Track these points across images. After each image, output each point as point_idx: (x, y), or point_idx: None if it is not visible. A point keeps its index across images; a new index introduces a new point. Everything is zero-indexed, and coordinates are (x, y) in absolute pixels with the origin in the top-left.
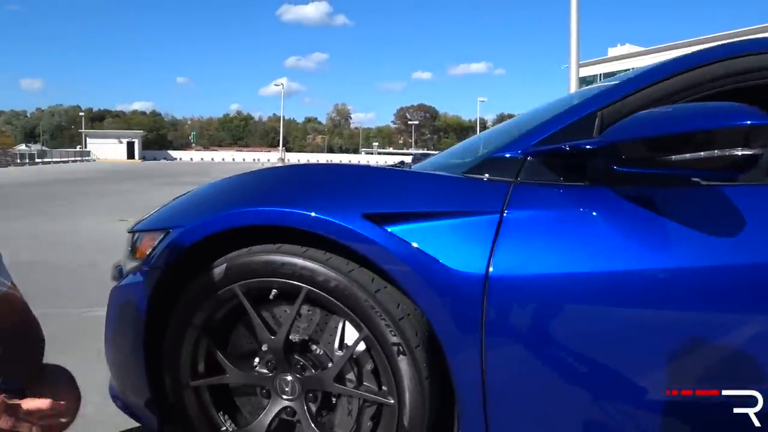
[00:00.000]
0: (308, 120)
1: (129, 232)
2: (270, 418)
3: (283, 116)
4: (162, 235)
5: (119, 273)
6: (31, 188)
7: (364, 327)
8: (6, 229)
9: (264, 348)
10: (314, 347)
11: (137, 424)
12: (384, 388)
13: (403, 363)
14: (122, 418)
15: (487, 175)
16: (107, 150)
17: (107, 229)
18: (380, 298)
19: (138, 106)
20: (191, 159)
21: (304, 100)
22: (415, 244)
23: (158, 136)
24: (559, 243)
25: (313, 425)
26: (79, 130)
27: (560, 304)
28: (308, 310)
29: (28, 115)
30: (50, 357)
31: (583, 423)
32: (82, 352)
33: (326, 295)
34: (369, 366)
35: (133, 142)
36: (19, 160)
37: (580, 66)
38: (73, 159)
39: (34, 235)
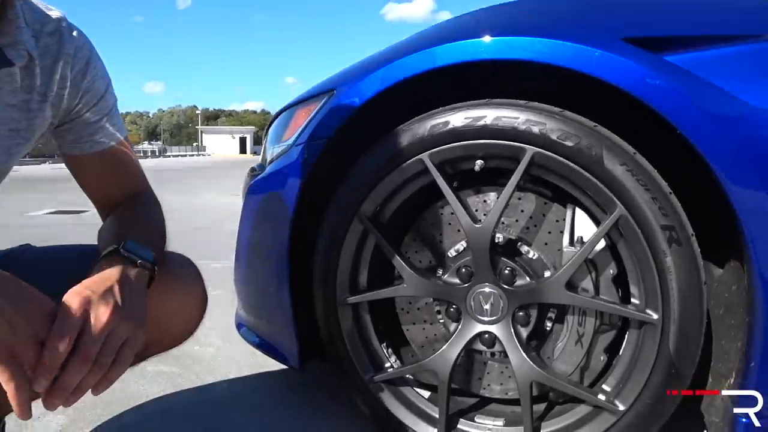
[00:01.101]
0: None
1: (271, 121)
2: (459, 348)
3: None
4: (325, 99)
5: (260, 168)
6: (159, 174)
7: (618, 204)
8: None
9: (453, 252)
10: (525, 249)
11: (269, 366)
12: (635, 300)
13: (676, 257)
14: (246, 358)
15: None
16: (221, 145)
17: (222, 201)
18: (641, 162)
19: (249, 105)
20: None
21: None
22: (703, 78)
23: None
24: None
25: (525, 355)
26: (196, 127)
27: None
28: (518, 198)
29: (151, 115)
30: None
31: None
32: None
33: (563, 160)
34: (611, 270)
35: (245, 138)
36: (141, 154)
37: None
38: (190, 154)
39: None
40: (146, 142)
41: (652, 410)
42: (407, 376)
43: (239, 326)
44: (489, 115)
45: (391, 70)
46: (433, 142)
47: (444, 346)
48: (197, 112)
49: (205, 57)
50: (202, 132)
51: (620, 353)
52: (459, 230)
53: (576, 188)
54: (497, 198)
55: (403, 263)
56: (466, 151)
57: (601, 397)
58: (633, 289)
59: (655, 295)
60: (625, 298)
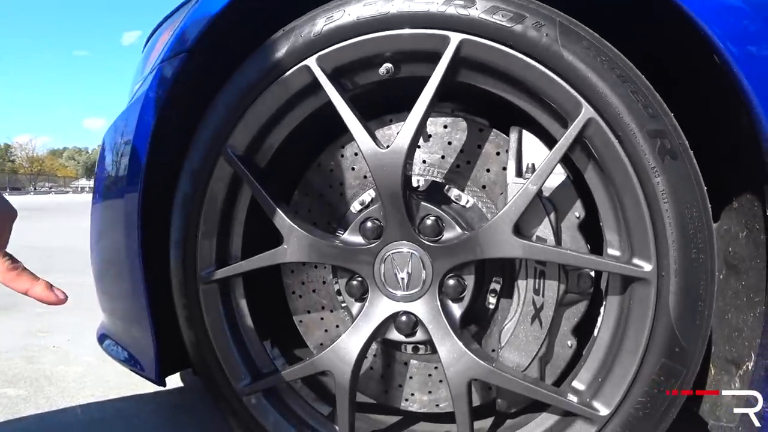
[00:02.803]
0: None
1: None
2: (364, 338)
3: None
4: (191, 5)
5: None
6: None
7: (584, 104)
8: (66, 223)
9: (357, 206)
10: (456, 194)
11: (144, 388)
12: (613, 252)
13: (670, 176)
14: (120, 379)
15: None
16: None
17: None
18: (609, 46)
19: None
20: None
21: None
22: None
23: None
24: None
25: (459, 342)
26: None
27: None
28: (444, 126)
29: (90, 151)
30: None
31: None
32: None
33: (502, 49)
34: (576, 213)
35: None
36: (79, 190)
37: None
38: None
39: (80, 228)
40: (84, 179)
41: (648, 412)
42: (296, 383)
43: (101, 338)
44: None
45: None
46: (325, 43)
47: (342, 335)
48: None
49: None
50: None
51: (596, 333)
52: (366, 176)
53: (521, 91)
54: None
55: (284, 215)
56: (368, 50)
57: (573, 398)
58: (609, 236)
59: (645, 236)
60: (599, 254)
